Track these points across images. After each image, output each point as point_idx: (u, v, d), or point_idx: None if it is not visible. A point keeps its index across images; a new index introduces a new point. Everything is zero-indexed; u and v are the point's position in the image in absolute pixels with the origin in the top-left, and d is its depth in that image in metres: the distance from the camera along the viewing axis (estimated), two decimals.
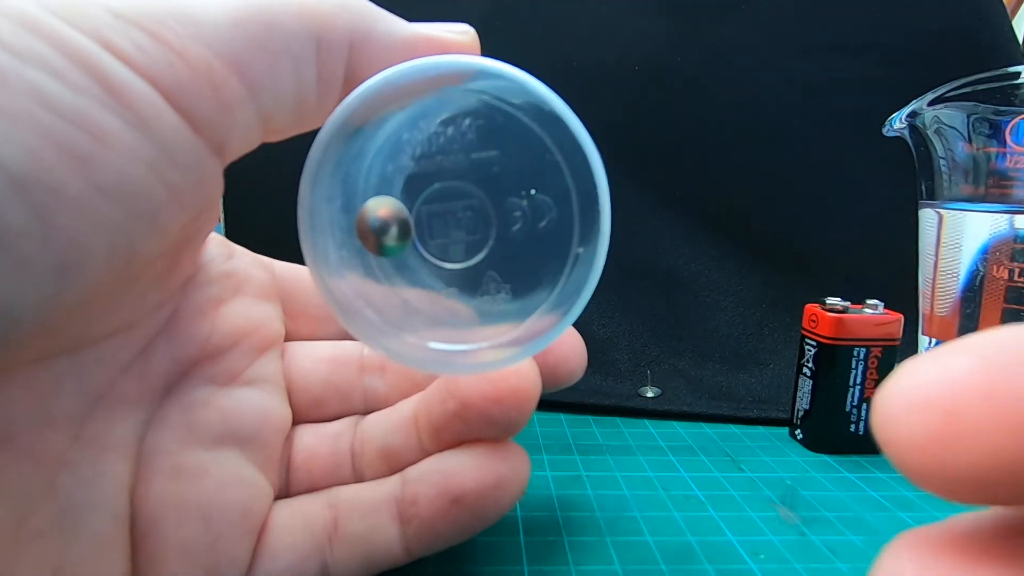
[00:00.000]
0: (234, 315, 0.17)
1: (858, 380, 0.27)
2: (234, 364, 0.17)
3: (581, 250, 0.15)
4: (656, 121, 0.38)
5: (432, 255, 0.16)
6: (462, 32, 0.16)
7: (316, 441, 0.19)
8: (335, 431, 0.19)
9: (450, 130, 0.15)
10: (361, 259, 0.16)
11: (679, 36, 0.37)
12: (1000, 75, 0.28)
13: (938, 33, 0.36)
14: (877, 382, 0.27)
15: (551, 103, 0.14)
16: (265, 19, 0.13)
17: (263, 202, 0.32)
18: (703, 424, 0.31)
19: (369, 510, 0.17)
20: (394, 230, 0.15)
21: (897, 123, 0.31)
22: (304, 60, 0.14)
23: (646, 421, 0.31)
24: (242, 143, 0.14)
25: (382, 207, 0.14)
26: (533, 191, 0.15)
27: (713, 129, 0.38)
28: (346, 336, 0.18)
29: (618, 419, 0.31)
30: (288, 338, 0.20)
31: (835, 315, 0.27)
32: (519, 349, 0.15)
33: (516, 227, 0.15)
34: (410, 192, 0.16)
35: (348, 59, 0.14)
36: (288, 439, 0.18)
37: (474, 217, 0.15)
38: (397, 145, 0.15)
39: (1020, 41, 0.37)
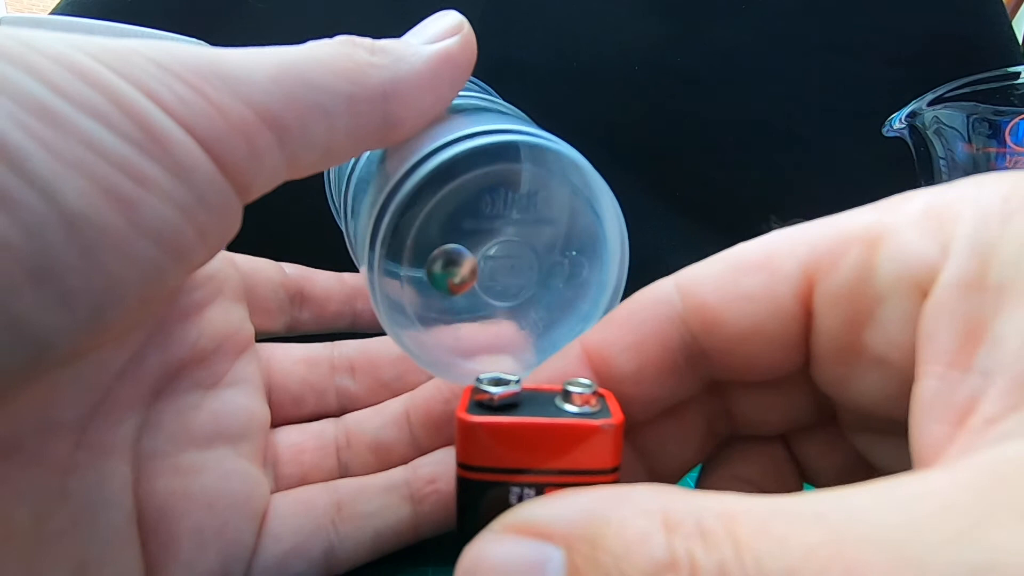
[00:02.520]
0: (216, 318, 0.18)
1: None
2: (218, 367, 0.18)
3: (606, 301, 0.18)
4: (656, 120, 0.38)
5: (485, 295, 0.18)
6: (456, 28, 0.16)
7: (301, 437, 0.20)
8: (317, 428, 0.20)
9: (511, 196, 0.17)
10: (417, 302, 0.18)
11: (679, 36, 0.37)
12: (1000, 75, 0.28)
13: (938, 33, 0.36)
14: None
15: (593, 180, 0.16)
16: (301, 77, 0.14)
17: None
18: None
19: (380, 491, 0.19)
20: (463, 272, 0.17)
21: (897, 123, 0.31)
22: (336, 114, 0.14)
23: None
24: (266, 184, 0.14)
25: (457, 254, 0.17)
26: (575, 252, 0.18)
27: (713, 129, 0.38)
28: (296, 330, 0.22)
29: None
30: None
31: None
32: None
33: (557, 280, 0.18)
34: (472, 242, 0.18)
35: (384, 108, 0.15)
36: (271, 437, 0.19)
37: (523, 267, 0.18)
38: (465, 203, 0.17)
39: (1020, 41, 0.37)
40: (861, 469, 0.15)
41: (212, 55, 0.13)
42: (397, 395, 0.21)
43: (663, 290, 0.15)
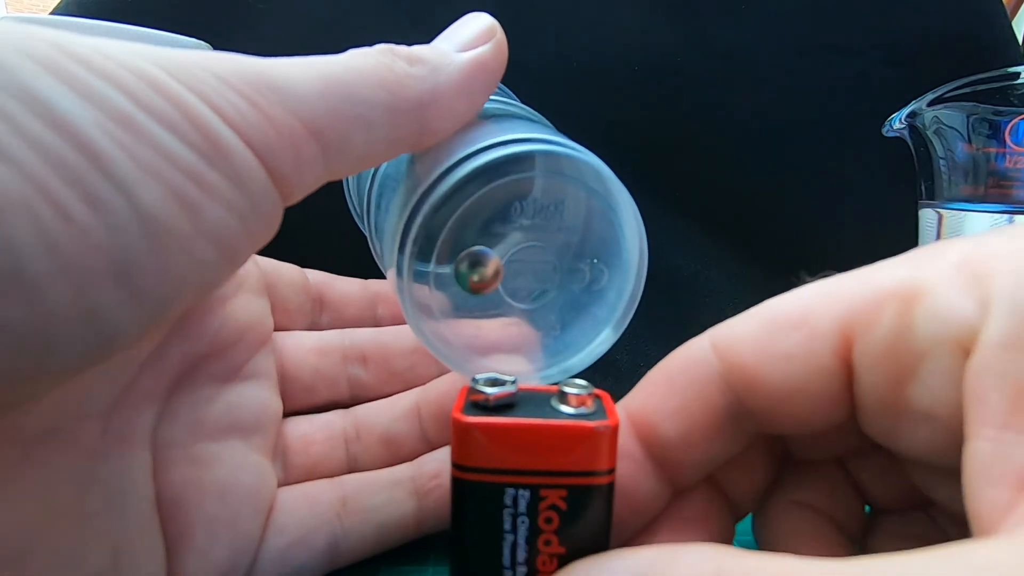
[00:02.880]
0: (238, 311, 0.19)
1: None
2: (236, 359, 0.19)
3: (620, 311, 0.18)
4: (656, 120, 0.38)
5: (507, 295, 0.19)
6: (488, 33, 0.17)
7: (310, 428, 0.20)
8: (327, 420, 0.21)
9: (537, 203, 0.18)
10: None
11: (679, 36, 0.37)
12: (1000, 75, 0.28)
13: (938, 33, 0.36)
14: None
15: (617, 191, 0.17)
16: (344, 89, 0.14)
17: None
18: None
19: (386, 485, 0.19)
20: (488, 273, 0.18)
21: (897, 123, 0.31)
22: (376, 125, 0.15)
23: None
24: (307, 190, 0.15)
25: (484, 255, 0.18)
26: (595, 260, 0.19)
27: (713, 128, 0.38)
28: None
29: None
30: None
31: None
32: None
33: (576, 285, 0.19)
34: (498, 244, 0.18)
35: (421, 117, 0.16)
36: (281, 428, 0.20)
37: (545, 271, 0.19)
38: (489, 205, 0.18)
39: (1020, 41, 0.37)
40: (920, 494, 0.15)
41: (264, 67, 0.14)
42: (409, 385, 0.22)
43: (699, 350, 0.15)
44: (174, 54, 0.13)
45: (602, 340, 0.18)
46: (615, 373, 0.36)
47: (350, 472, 0.20)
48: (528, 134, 0.16)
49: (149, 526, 0.16)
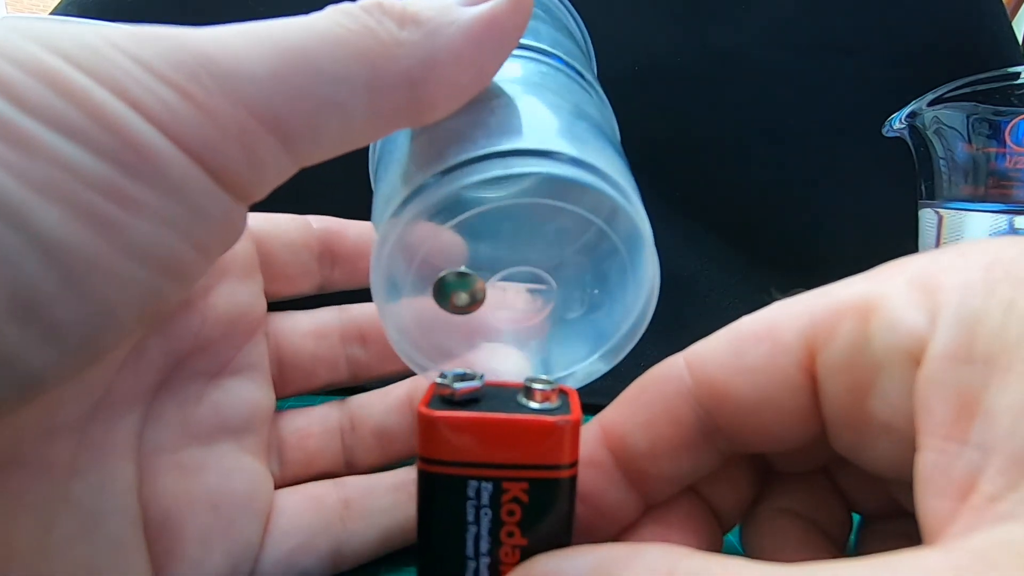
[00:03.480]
0: (222, 303, 0.17)
1: None
2: (223, 354, 0.17)
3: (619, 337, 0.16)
4: (655, 121, 0.38)
5: (493, 316, 0.17)
6: None
7: (306, 422, 0.19)
8: (322, 413, 0.20)
9: (536, 225, 0.16)
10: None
11: (679, 36, 0.37)
12: (1000, 75, 0.28)
13: (938, 33, 0.36)
14: None
15: (638, 220, 0.15)
16: (309, 66, 0.12)
17: None
18: None
19: (390, 488, 0.18)
20: (467, 297, 0.16)
21: (897, 123, 0.31)
22: (352, 107, 0.12)
23: None
24: (273, 183, 0.13)
25: (465, 278, 0.16)
26: (596, 291, 0.17)
27: (712, 129, 0.38)
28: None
29: None
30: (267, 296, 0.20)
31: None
32: None
33: (573, 314, 0.17)
34: (489, 263, 0.16)
35: (411, 94, 0.13)
36: (275, 423, 0.19)
37: (537, 295, 0.17)
38: (484, 224, 0.16)
39: (1020, 41, 0.37)
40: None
41: (201, 44, 0.11)
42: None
43: (673, 367, 0.15)
44: (78, 33, 0.11)
45: (589, 371, 0.17)
46: (614, 373, 0.36)
47: (346, 465, 0.20)
48: (548, 143, 0.14)
49: (131, 544, 0.14)
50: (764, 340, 0.14)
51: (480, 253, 0.16)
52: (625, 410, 0.15)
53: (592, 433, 0.15)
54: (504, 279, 0.16)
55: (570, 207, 0.15)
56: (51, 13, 0.32)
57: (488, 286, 0.16)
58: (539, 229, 0.16)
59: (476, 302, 0.15)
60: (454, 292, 0.15)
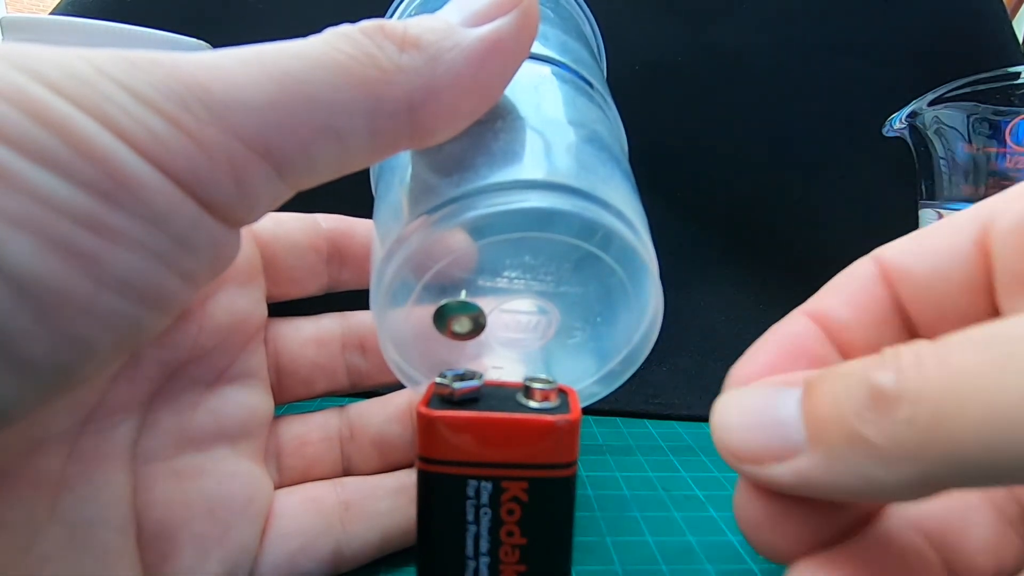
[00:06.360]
0: (220, 311, 0.17)
1: None
2: (220, 362, 0.17)
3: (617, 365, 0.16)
4: (656, 121, 0.38)
5: (493, 342, 0.17)
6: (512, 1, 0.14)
7: (304, 429, 0.19)
8: (321, 420, 0.20)
9: (540, 251, 0.16)
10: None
11: (680, 37, 0.37)
12: (1000, 75, 0.28)
13: (938, 33, 0.36)
14: None
15: (644, 254, 0.15)
16: (306, 96, 0.12)
17: None
18: (703, 424, 0.31)
19: (391, 491, 0.18)
20: (468, 324, 0.15)
21: (897, 123, 0.31)
22: (351, 133, 0.12)
23: (646, 421, 0.31)
24: (267, 209, 0.13)
25: (465, 308, 0.15)
26: (598, 319, 0.16)
27: (712, 129, 0.38)
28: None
29: (618, 419, 0.31)
30: (269, 299, 0.19)
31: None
32: None
33: (574, 339, 0.17)
34: (491, 293, 0.16)
35: (410, 120, 0.13)
36: (274, 428, 0.19)
37: (540, 322, 0.17)
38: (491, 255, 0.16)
39: (1020, 41, 0.37)
40: None
41: (195, 71, 0.11)
42: None
43: (861, 263, 0.16)
44: (66, 61, 0.10)
45: (587, 394, 0.17)
46: None
47: (344, 473, 0.19)
48: (550, 175, 0.14)
49: (121, 555, 0.14)
50: (941, 225, 0.15)
51: (482, 278, 0.16)
52: (827, 296, 0.16)
53: (798, 316, 0.16)
54: (507, 308, 0.16)
55: (574, 241, 0.15)
56: (51, 13, 0.32)
57: (488, 315, 0.16)
58: (542, 255, 0.16)
59: (476, 330, 0.15)
60: (454, 319, 0.15)
